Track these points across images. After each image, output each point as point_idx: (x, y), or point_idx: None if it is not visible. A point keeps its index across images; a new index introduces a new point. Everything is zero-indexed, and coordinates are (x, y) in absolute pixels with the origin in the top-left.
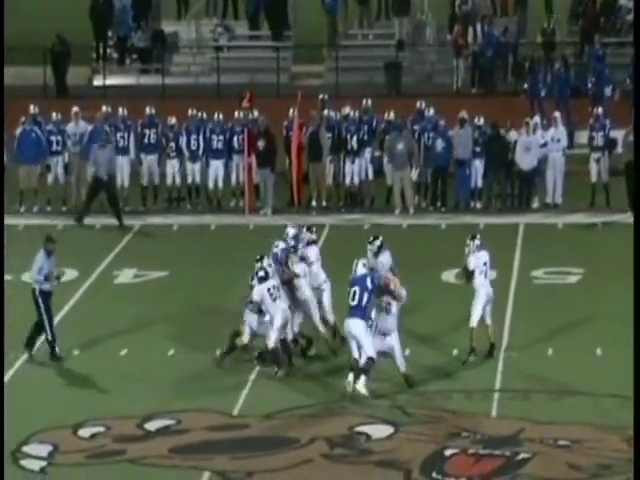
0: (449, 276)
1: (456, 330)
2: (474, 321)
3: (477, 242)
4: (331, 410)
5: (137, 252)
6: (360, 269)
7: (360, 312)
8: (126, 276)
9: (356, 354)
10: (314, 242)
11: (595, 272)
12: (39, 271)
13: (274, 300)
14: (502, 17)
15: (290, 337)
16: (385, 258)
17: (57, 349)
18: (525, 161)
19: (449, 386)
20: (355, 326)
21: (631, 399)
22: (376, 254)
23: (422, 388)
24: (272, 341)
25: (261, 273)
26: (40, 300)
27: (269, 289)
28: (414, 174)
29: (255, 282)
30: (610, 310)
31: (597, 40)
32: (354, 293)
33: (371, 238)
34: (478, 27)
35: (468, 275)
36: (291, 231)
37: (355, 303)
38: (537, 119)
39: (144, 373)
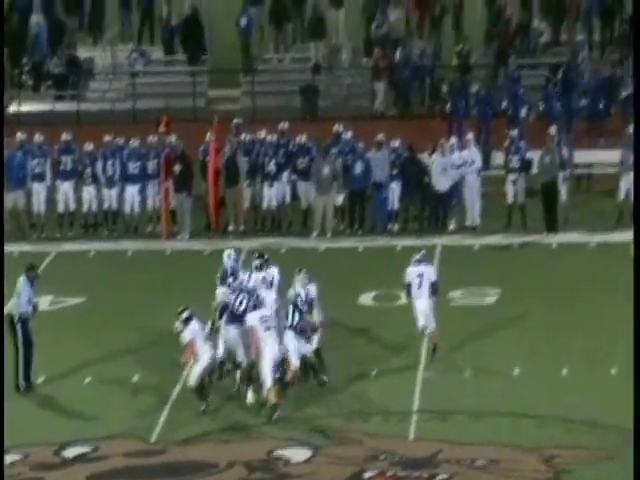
0: (367, 299)
1: (373, 352)
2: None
3: (417, 256)
4: (250, 434)
5: (54, 279)
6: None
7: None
8: (43, 303)
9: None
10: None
11: (512, 292)
12: (21, 298)
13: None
14: (418, 40)
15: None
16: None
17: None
18: (441, 182)
19: (367, 408)
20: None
21: (548, 418)
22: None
23: (340, 410)
24: (193, 379)
25: (185, 314)
26: (19, 327)
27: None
28: (338, 198)
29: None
30: (528, 330)
31: (512, 62)
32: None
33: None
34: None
35: (406, 289)
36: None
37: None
38: (453, 140)
39: (62, 400)
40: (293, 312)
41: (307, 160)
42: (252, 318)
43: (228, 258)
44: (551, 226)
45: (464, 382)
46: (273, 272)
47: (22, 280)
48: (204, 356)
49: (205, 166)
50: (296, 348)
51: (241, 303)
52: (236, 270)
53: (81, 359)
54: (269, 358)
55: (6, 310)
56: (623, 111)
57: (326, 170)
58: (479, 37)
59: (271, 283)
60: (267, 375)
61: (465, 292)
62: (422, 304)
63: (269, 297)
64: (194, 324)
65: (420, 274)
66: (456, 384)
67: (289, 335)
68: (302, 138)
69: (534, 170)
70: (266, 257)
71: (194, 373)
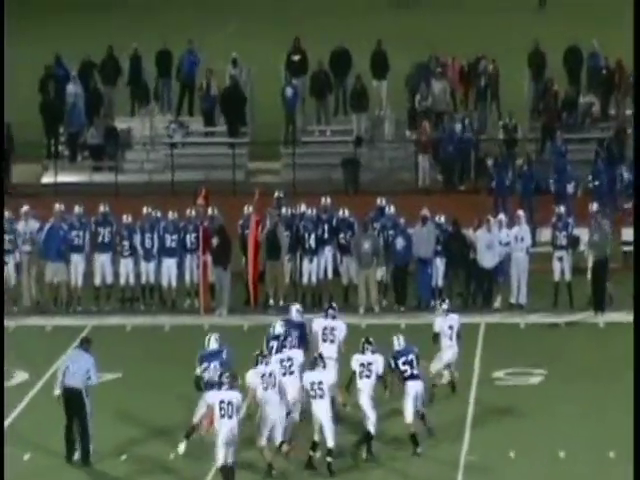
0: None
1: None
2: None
3: (444, 306)
4: None
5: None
6: None
7: None
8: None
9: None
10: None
11: (557, 373)
12: (87, 371)
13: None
14: (463, 113)
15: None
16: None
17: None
18: (486, 259)
19: None
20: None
21: None
22: None
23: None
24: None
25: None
26: (87, 400)
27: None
28: (379, 273)
29: None
30: (572, 412)
31: (559, 136)
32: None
33: None
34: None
35: (434, 337)
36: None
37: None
38: (501, 216)
39: (97, 477)
40: None
41: (349, 235)
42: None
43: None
44: (600, 305)
45: (508, 464)
46: None
47: (82, 353)
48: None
49: (244, 240)
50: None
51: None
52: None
53: (117, 435)
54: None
55: (67, 383)
56: None
57: (366, 245)
58: (526, 111)
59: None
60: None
61: (509, 372)
62: (454, 352)
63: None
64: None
65: (451, 325)
66: (499, 466)
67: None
68: (345, 212)
69: (581, 247)
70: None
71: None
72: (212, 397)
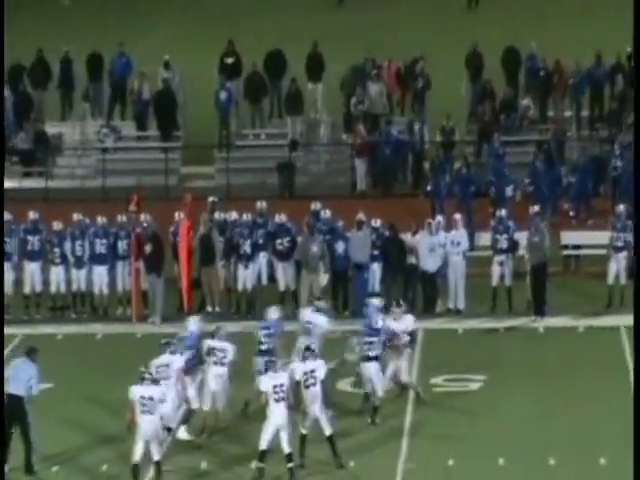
0: (344, 385)
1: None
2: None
3: (402, 308)
4: None
5: None
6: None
7: None
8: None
9: None
10: None
11: (496, 379)
12: (29, 380)
13: None
14: (399, 116)
15: None
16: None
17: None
18: (429, 262)
19: None
20: None
21: None
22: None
23: None
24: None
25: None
26: (28, 408)
27: None
28: (324, 279)
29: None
30: (513, 417)
31: (496, 138)
32: None
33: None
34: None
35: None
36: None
37: None
38: (440, 219)
39: None
40: None
41: (287, 240)
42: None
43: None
44: (540, 310)
45: (447, 472)
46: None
47: (25, 361)
48: None
49: (176, 247)
50: None
51: None
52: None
53: (49, 446)
54: None
55: (8, 390)
56: (612, 191)
57: (314, 248)
58: (463, 113)
59: None
60: None
61: (448, 378)
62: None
63: None
64: None
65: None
66: (438, 474)
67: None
68: (281, 217)
69: (520, 251)
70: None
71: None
72: (134, 392)
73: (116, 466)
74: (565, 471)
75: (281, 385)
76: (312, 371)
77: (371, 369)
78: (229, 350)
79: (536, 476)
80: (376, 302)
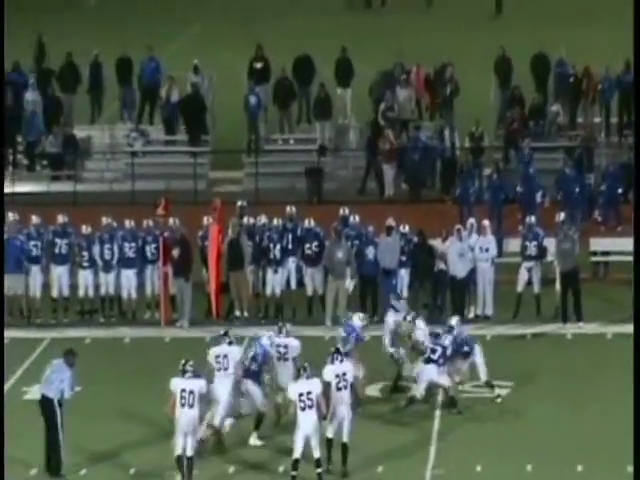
0: (374, 390)
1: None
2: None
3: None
4: None
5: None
6: None
7: None
8: (36, 392)
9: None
10: None
11: (525, 385)
12: (61, 382)
13: None
14: (428, 121)
15: None
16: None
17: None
18: (459, 268)
19: None
20: None
21: None
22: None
23: None
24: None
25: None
26: (58, 410)
27: None
28: (350, 284)
29: None
30: (541, 423)
31: (525, 145)
32: None
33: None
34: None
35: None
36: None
37: None
38: (471, 223)
39: None
40: None
41: (315, 245)
42: None
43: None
44: (577, 314)
45: (474, 477)
46: None
47: (61, 364)
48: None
49: (204, 251)
50: None
51: None
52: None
53: (77, 450)
54: None
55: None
56: None
57: (340, 254)
58: (492, 119)
59: None
60: None
61: (475, 384)
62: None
63: None
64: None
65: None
66: None
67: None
68: (310, 222)
69: (549, 257)
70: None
71: None
72: (175, 384)
73: (142, 470)
74: (593, 478)
75: (308, 393)
76: (344, 374)
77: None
78: (293, 346)
79: None
80: None
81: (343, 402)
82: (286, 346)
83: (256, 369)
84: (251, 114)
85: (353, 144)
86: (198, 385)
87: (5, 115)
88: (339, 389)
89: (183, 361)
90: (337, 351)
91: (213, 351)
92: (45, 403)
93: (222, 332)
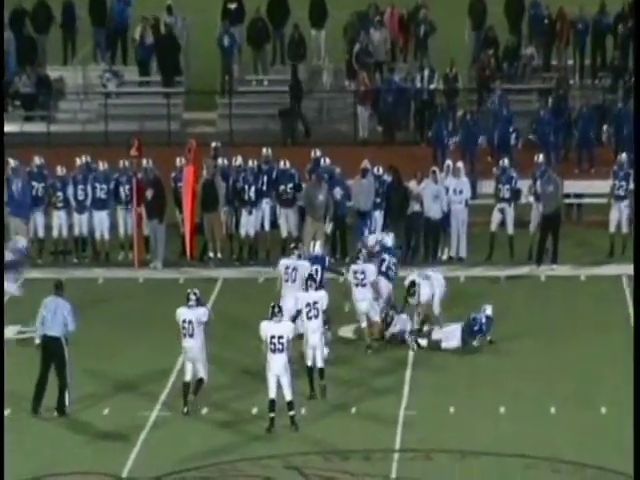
0: (347, 331)
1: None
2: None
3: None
4: (224, 472)
5: (21, 307)
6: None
7: None
8: (9, 333)
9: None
10: None
11: (499, 328)
12: (64, 318)
13: None
14: (402, 63)
15: None
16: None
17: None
18: (434, 209)
19: (346, 445)
20: None
21: (535, 458)
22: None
23: (318, 448)
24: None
25: None
26: (66, 348)
27: None
28: (329, 227)
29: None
30: (515, 367)
31: (497, 86)
32: None
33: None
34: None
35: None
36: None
37: None
38: (447, 165)
39: (28, 435)
40: None
41: (290, 187)
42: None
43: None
44: (554, 258)
45: (448, 420)
46: None
47: (61, 301)
48: None
49: (177, 192)
50: None
51: None
52: None
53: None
54: None
55: (45, 332)
56: (615, 140)
57: (320, 197)
58: (466, 61)
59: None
60: None
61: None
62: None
63: None
64: None
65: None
66: (440, 422)
67: None
68: (286, 164)
69: (522, 200)
70: None
71: None
72: (178, 314)
73: (114, 413)
74: (566, 419)
75: (280, 337)
76: (315, 302)
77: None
78: (369, 271)
79: (537, 424)
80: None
81: (313, 330)
82: (363, 272)
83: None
84: (225, 55)
85: (327, 85)
86: (196, 314)
87: None
88: (309, 318)
89: (189, 290)
90: (311, 278)
91: (283, 262)
92: (52, 343)
93: (292, 245)
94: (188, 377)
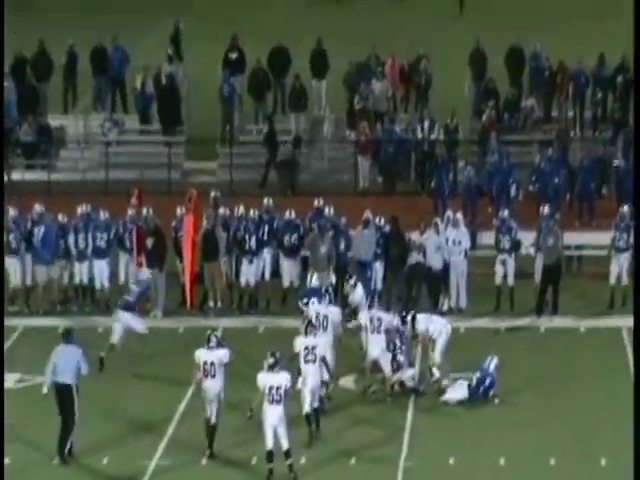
0: (347, 381)
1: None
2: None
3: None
4: None
5: (21, 356)
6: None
7: None
8: (9, 381)
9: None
10: None
11: (499, 379)
12: (77, 364)
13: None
14: (403, 113)
15: None
16: None
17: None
18: (436, 260)
19: None
20: None
21: None
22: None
23: None
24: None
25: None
26: (76, 396)
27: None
28: (332, 277)
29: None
30: (515, 418)
31: (493, 137)
32: None
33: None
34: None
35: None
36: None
37: None
38: (448, 216)
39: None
40: None
41: (295, 238)
42: None
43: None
44: (554, 309)
45: (449, 471)
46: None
47: (74, 348)
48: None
49: (178, 241)
50: None
51: None
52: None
53: (50, 441)
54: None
55: (56, 379)
56: (616, 192)
57: (323, 249)
58: (467, 112)
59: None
60: None
61: (451, 377)
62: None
63: None
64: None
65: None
66: (439, 473)
67: None
68: (291, 214)
69: (523, 251)
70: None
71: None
72: (198, 356)
73: (114, 460)
74: (566, 471)
75: (278, 388)
76: (313, 347)
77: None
78: (385, 319)
79: (537, 475)
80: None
81: (311, 374)
82: (380, 319)
83: None
84: (225, 104)
85: (328, 136)
86: (218, 356)
87: None
88: (307, 362)
89: (209, 331)
90: (310, 324)
91: (315, 308)
92: (63, 390)
93: (324, 289)
94: (208, 415)
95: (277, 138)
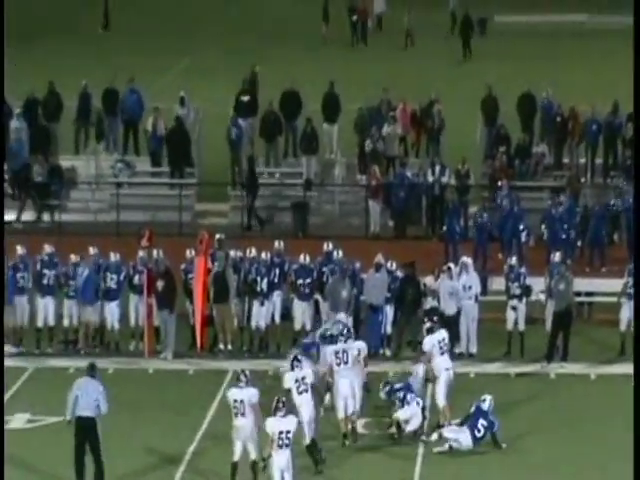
0: (358, 426)
1: None
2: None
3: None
4: None
5: (31, 396)
6: None
7: None
8: (19, 421)
9: None
10: None
11: (507, 424)
12: (96, 400)
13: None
14: (415, 158)
15: None
16: None
17: None
18: (449, 305)
19: None
20: None
21: None
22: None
23: None
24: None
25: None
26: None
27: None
28: (350, 321)
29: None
30: (523, 463)
31: (504, 184)
32: None
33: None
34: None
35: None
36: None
37: None
38: (463, 261)
39: None
40: None
41: (308, 281)
42: None
43: None
44: (564, 355)
45: None
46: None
47: (87, 381)
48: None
49: (188, 283)
50: None
51: None
52: None
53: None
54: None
55: (79, 413)
56: (627, 239)
57: (344, 293)
58: (478, 157)
59: None
60: None
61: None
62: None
63: None
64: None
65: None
66: None
67: None
68: (306, 258)
69: (533, 297)
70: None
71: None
72: (229, 394)
73: None
74: None
75: (287, 432)
76: (303, 378)
77: None
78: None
79: None
80: None
81: (305, 404)
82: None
83: None
84: (233, 147)
85: (339, 179)
86: (248, 394)
87: None
88: (300, 393)
89: (239, 371)
90: (295, 358)
91: (333, 348)
92: (86, 424)
93: (341, 328)
94: (236, 457)
95: (257, 180)
